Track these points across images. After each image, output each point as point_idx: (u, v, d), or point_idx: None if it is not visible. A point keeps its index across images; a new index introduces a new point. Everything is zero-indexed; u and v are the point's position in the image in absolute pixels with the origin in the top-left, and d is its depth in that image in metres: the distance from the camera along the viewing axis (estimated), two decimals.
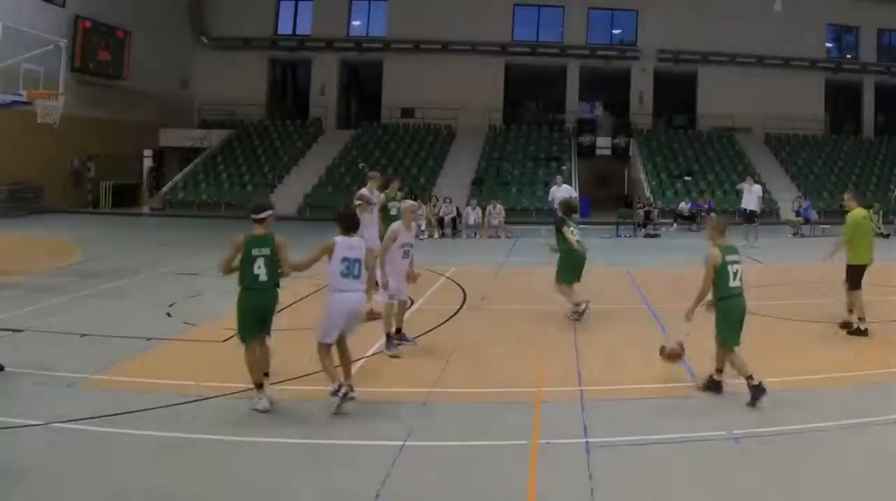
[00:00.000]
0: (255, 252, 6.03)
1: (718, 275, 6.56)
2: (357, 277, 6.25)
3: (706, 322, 9.79)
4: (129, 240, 18.03)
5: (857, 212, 9.52)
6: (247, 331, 6.11)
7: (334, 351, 6.22)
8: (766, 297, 11.58)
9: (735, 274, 6.58)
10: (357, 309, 6.29)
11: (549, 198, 19.62)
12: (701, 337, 8.88)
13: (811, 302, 11.18)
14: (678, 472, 4.98)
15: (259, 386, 6.11)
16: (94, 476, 4.87)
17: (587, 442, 5.47)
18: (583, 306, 9.62)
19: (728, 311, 6.60)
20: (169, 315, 9.74)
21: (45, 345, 8.19)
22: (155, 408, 6.09)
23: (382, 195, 11.36)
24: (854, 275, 9.27)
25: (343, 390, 5.97)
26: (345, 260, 6.21)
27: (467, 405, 6.37)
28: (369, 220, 10.59)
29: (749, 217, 19.33)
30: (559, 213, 10.68)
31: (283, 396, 6.28)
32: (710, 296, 6.69)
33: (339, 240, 6.27)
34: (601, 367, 7.55)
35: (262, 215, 6.20)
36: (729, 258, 6.59)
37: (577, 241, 9.72)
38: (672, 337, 7.29)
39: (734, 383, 6.98)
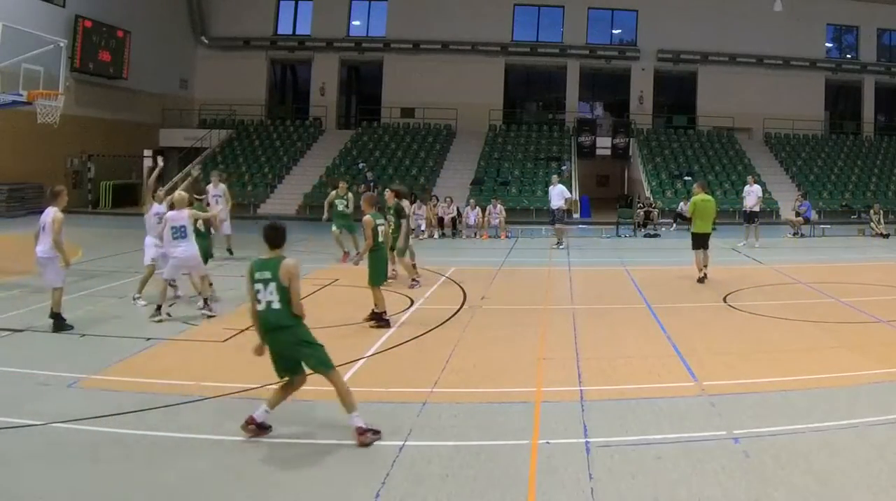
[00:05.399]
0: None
1: (374, 232, 9.26)
2: (183, 237, 9.62)
3: (708, 322, 9.87)
4: (128, 240, 17.97)
5: (697, 197, 13.23)
6: None
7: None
8: (766, 297, 11.61)
9: (381, 232, 9.47)
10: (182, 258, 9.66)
11: (549, 198, 19.70)
12: (702, 336, 8.92)
13: (811, 302, 11.18)
14: (678, 472, 4.97)
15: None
16: (93, 477, 4.87)
17: (587, 442, 5.47)
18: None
19: (378, 259, 9.37)
20: (169, 315, 9.73)
21: (45, 345, 8.19)
22: (155, 408, 6.10)
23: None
24: (695, 240, 12.99)
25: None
26: (173, 228, 9.60)
27: (467, 405, 6.37)
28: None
29: (749, 217, 19.33)
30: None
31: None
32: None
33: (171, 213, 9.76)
34: (601, 367, 7.54)
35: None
36: (378, 222, 9.43)
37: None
38: None
39: (734, 385, 7.00)
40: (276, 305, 5.41)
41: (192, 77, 34.45)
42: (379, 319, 9.18)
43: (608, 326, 9.53)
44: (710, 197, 13.51)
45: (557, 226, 18.90)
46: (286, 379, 5.59)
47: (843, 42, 35.96)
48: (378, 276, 9.34)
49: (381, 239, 9.46)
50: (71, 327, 8.83)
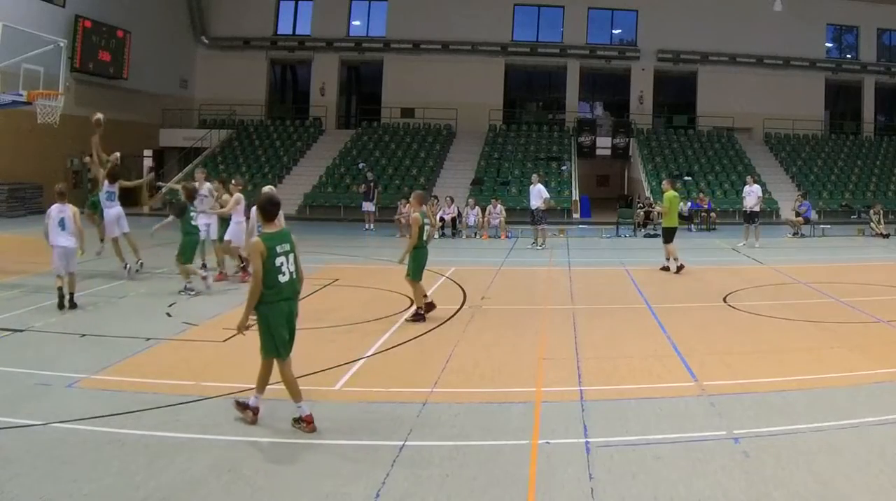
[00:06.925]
0: None
1: (421, 230, 9.61)
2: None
3: (708, 322, 9.87)
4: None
5: (669, 194, 14.58)
6: None
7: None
8: (766, 297, 11.60)
9: (426, 232, 9.79)
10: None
11: (529, 197, 19.73)
12: (702, 336, 8.92)
13: (811, 302, 11.18)
14: (678, 472, 4.97)
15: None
16: (93, 477, 4.87)
17: (587, 442, 5.47)
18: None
19: (420, 258, 9.67)
20: (169, 315, 9.74)
21: (45, 345, 8.19)
22: (155, 408, 6.10)
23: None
24: (667, 234, 14.40)
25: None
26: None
27: (467, 405, 6.37)
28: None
29: (750, 217, 19.32)
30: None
31: (282, 396, 6.28)
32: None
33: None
34: (601, 367, 7.54)
35: None
36: (426, 221, 9.89)
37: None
38: None
39: (734, 385, 7.00)
40: (295, 274, 5.80)
41: (192, 77, 34.46)
42: (417, 315, 9.64)
43: (608, 326, 9.53)
44: (676, 193, 15.24)
45: (539, 226, 18.75)
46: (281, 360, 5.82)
47: (843, 42, 35.98)
48: (418, 272, 9.68)
49: (424, 237, 9.81)
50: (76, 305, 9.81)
